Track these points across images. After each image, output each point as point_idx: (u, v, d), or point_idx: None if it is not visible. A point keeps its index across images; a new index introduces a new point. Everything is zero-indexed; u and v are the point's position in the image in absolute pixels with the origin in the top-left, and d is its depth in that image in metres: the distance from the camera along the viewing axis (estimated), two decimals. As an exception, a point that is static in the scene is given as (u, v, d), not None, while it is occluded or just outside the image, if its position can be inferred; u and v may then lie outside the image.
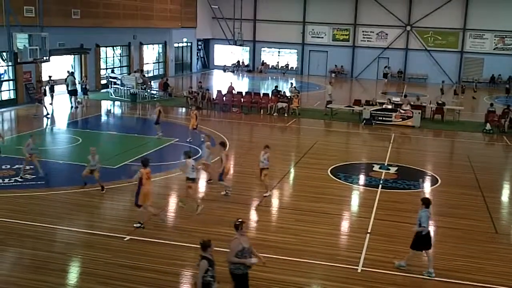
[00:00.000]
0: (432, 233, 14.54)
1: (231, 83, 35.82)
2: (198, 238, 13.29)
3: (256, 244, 13.15)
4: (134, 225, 13.98)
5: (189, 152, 15.93)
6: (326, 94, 33.13)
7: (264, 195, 16.79)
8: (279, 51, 57.69)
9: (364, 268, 12.09)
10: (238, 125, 29.05)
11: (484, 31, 50.85)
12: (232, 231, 13.81)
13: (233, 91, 34.09)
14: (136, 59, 43.94)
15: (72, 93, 31.41)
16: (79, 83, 33.09)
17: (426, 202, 12.11)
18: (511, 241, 14.66)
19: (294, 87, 36.95)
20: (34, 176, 17.85)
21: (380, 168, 20.58)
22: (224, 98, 33.20)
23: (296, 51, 56.66)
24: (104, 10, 38.01)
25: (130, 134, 24.76)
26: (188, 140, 23.25)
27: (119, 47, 42.80)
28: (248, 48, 57.53)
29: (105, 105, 33.83)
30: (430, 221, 12.55)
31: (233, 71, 56.17)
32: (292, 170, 20.37)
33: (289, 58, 57.36)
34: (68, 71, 33.32)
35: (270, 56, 58.08)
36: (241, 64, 57.86)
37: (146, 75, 40.53)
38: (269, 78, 52.51)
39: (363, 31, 54.14)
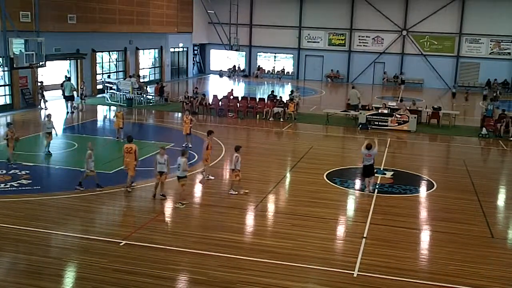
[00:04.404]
0: (427, 237, 14.68)
1: (232, 90, 35.84)
2: (193, 243, 13.37)
3: (252, 249, 13.19)
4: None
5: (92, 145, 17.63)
6: (355, 98, 33.12)
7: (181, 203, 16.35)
8: (275, 56, 57.81)
9: (360, 273, 12.08)
10: (234, 130, 29.04)
11: (480, 36, 51.08)
12: (227, 235, 13.86)
13: (231, 97, 34.14)
14: (132, 64, 43.95)
15: (69, 98, 31.38)
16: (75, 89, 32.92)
17: (368, 145, 18.04)
18: (507, 245, 14.68)
19: (298, 92, 36.53)
20: (30, 181, 17.84)
21: (376, 172, 20.57)
22: (220, 103, 33.21)
23: (292, 56, 56.77)
24: (100, 15, 38.06)
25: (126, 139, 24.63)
26: (183, 145, 23.25)
27: (115, 52, 42.81)
28: (244, 53, 57.63)
29: (102, 110, 33.86)
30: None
31: (229, 76, 56.21)
32: (288, 175, 20.38)
33: (285, 63, 57.46)
34: (66, 76, 33.29)
35: (266, 61, 58.18)
36: (237, 69, 57.92)
37: (142, 80, 40.53)
38: (265, 83, 52.58)
39: (359, 36, 54.30)
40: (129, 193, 17.11)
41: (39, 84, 32.31)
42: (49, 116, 22.23)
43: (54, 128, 21.86)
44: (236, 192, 17.30)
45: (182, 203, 16.13)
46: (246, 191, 17.37)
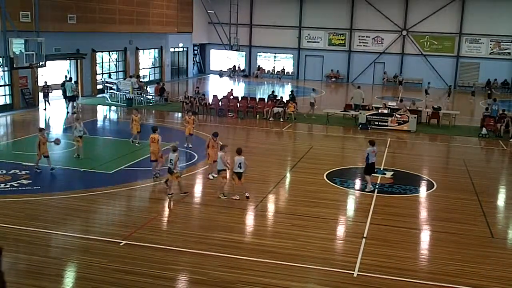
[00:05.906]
0: (427, 237, 14.68)
1: (231, 89, 35.83)
2: (193, 243, 13.38)
3: (252, 249, 13.19)
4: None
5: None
6: (359, 98, 33.14)
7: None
8: (275, 56, 57.81)
9: (360, 273, 12.08)
10: (234, 130, 29.03)
11: (480, 36, 51.09)
12: (227, 235, 13.85)
13: (231, 97, 34.14)
14: (132, 64, 43.95)
15: (71, 98, 31.37)
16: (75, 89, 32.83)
17: (371, 141, 18.76)
18: (507, 245, 14.68)
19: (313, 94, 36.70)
20: (30, 181, 17.84)
21: (376, 172, 20.55)
22: (220, 103, 33.20)
23: (292, 56, 56.77)
24: (100, 15, 38.06)
25: (126, 139, 24.66)
26: (184, 145, 23.24)
27: (115, 52, 42.81)
28: (244, 53, 57.63)
29: (101, 110, 33.86)
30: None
31: (229, 76, 56.21)
32: (288, 175, 20.38)
33: (285, 63, 57.46)
34: (66, 77, 33.27)
35: (266, 61, 58.19)
36: (237, 69, 57.92)
37: (143, 80, 40.53)
38: (265, 83, 52.58)
39: (359, 36, 54.31)
40: (158, 178, 18.36)
41: (44, 84, 32.24)
42: (79, 119, 21.92)
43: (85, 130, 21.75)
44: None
45: (224, 194, 16.90)
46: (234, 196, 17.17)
